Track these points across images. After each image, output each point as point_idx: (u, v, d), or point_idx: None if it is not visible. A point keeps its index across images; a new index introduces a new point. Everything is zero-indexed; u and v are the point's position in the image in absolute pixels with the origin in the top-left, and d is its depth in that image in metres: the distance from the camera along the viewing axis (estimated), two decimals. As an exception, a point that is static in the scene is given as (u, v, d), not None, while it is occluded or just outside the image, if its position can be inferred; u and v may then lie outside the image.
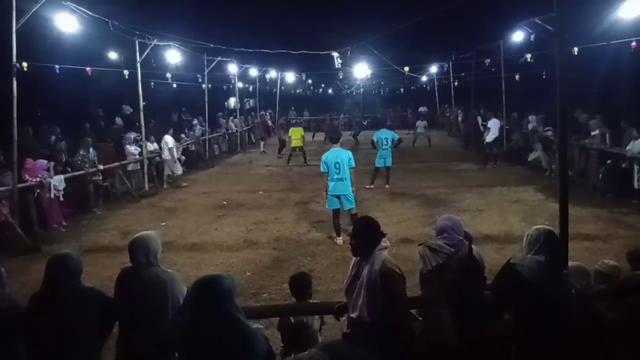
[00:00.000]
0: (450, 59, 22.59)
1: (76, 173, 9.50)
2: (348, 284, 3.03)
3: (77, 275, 2.90)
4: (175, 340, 2.80)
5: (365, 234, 2.99)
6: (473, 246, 3.13)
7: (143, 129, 12.29)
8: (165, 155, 12.40)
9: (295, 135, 15.89)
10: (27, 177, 8.11)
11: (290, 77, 27.99)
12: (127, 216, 9.50)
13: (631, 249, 3.76)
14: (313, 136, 23.68)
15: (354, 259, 3.11)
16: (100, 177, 10.43)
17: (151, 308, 2.91)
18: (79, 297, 2.82)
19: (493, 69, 18.83)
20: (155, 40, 12.46)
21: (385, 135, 11.53)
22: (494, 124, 14.01)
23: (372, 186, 11.20)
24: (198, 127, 17.30)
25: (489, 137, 13.89)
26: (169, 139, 12.51)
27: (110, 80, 15.98)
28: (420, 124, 21.34)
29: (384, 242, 2.98)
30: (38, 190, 8.21)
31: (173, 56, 14.06)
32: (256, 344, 2.37)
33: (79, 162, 9.84)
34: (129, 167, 11.76)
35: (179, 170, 12.75)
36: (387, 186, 11.23)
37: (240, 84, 23.88)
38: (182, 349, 2.42)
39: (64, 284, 2.81)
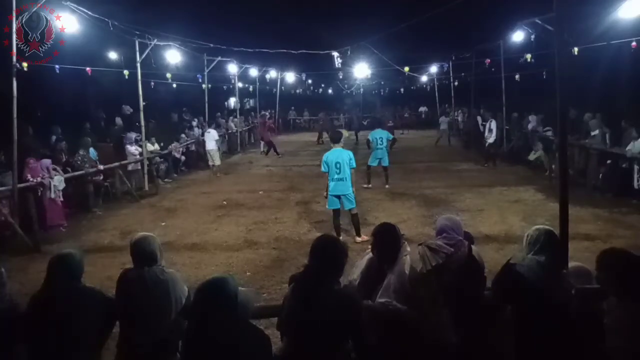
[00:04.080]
0: (450, 59, 22.60)
1: (76, 173, 9.50)
2: (362, 284, 3.04)
3: (78, 275, 2.90)
4: (177, 340, 2.81)
5: (389, 243, 3.03)
6: (472, 246, 3.13)
7: (143, 129, 12.30)
8: (212, 146, 14.12)
9: None
10: (29, 177, 8.12)
11: (290, 77, 27.99)
12: (127, 216, 9.50)
13: None
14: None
15: (365, 257, 3.13)
16: (101, 177, 10.45)
17: (152, 308, 2.91)
18: (80, 297, 2.82)
19: (493, 69, 18.84)
20: (155, 40, 12.46)
21: (380, 135, 11.55)
22: (495, 125, 14.07)
23: (370, 185, 11.19)
24: (196, 128, 17.27)
25: (492, 138, 13.94)
26: (214, 132, 14.52)
27: (110, 80, 15.96)
28: (444, 120, 20.87)
29: (408, 247, 3.04)
30: (41, 189, 8.22)
31: (173, 56, 14.08)
32: (260, 345, 2.40)
33: (79, 162, 9.84)
34: (129, 167, 11.77)
35: (218, 160, 14.36)
36: (387, 186, 11.22)
37: (240, 84, 23.87)
38: (187, 351, 2.43)
39: (65, 283, 2.81)
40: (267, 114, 24.88)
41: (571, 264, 3.17)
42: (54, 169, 8.75)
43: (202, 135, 16.70)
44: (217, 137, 14.50)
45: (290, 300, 2.68)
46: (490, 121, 14.28)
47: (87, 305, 2.82)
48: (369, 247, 3.16)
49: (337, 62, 16.37)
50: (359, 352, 2.66)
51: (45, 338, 2.72)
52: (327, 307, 2.53)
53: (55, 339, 2.70)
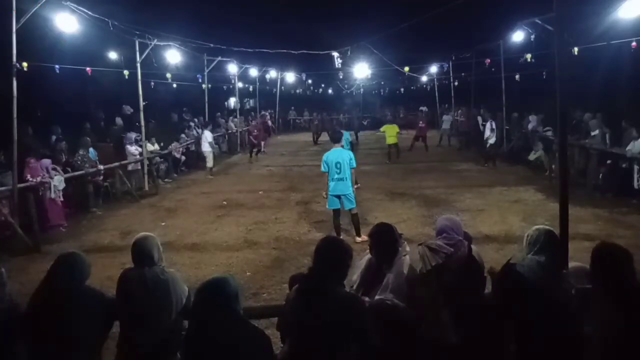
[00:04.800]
0: (450, 59, 22.59)
1: (76, 173, 9.50)
2: (361, 285, 3.04)
3: (80, 275, 2.88)
4: (177, 340, 2.81)
5: (386, 243, 3.03)
6: (473, 246, 3.13)
7: (143, 129, 12.30)
8: (205, 148, 14.08)
9: (390, 133, 15.52)
10: (28, 176, 8.13)
11: (290, 77, 28.00)
12: (127, 216, 9.50)
13: None
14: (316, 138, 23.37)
15: (364, 258, 3.13)
16: (101, 177, 10.45)
17: (152, 308, 2.91)
18: (80, 297, 2.81)
19: (493, 69, 18.83)
20: (155, 40, 12.46)
21: (346, 137, 11.60)
22: (495, 126, 14.15)
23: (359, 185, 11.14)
24: (195, 128, 17.25)
25: (493, 139, 13.97)
26: (208, 134, 14.29)
27: (110, 80, 15.97)
28: (447, 118, 20.47)
29: (407, 247, 3.04)
30: (42, 188, 8.23)
31: (173, 56, 14.08)
32: (260, 345, 2.41)
33: (78, 162, 9.83)
34: (129, 167, 11.77)
35: (210, 162, 14.20)
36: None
37: (240, 84, 23.87)
38: (187, 351, 2.43)
39: (66, 283, 2.80)
40: (267, 114, 24.85)
41: (571, 264, 3.17)
42: (54, 169, 8.75)
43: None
44: (210, 140, 14.25)
45: (293, 302, 2.68)
46: (491, 122, 14.29)
47: (87, 306, 2.81)
48: (369, 247, 3.16)
49: (337, 62, 16.35)
50: (363, 354, 2.65)
51: (45, 338, 2.72)
52: (330, 308, 2.53)
53: (55, 339, 2.70)
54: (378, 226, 3.19)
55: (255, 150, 17.58)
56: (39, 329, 2.73)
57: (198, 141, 15.86)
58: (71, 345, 2.72)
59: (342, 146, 7.45)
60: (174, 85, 20.18)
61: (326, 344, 2.53)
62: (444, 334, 2.85)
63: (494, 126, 14.08)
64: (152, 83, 16.68)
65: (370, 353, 2.66)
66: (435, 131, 23.91)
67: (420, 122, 18.67)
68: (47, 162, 8.71)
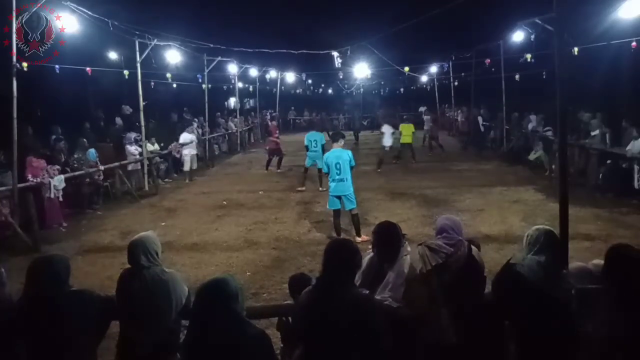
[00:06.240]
0: (450, 59, 22.61)
1: (76, 173, 9.50)
2: (362, 284, 3.04)
3: (64, 278, 2.81)
4: (177, 340, 2.80)
5: (389, 242, 3.03)
6: (472, 246, 3.13)
7: (143, 129, 12.30)
8: (184, 150, 13.40)
9: (406, 132, 15.05)
10: (29, 176, 8.13)
11: (290, 77, 27.97)
12: (127, 216, 9.50)
13: None
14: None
15: (366, 257, 3.13)
16: (102, 177, 10.45)
17: (152, 308, 2.90)
18: (68, 299, 2.76)
19: (493, 69, 18.85)
20: (155, 40, 12.47)
21: (315, 138, 11.61)
22: (387, 129, 14.66)
23: (304, 188, 11.14)
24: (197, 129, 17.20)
25: (388, 143, 14.55)
26: (183, 136, 13.58)
27: (110, 80, 15.98)
28: (428, 119, 20.16)
29: (409, 247, 3.06)
30: (46, 185, 8.22)
31: (173, 56, 14.08)
32: (260, 345, 2.40)
33: (75, 165, 9.82)
34: (129, 167, 11.77)
35: (188, 165, 13.41)
36: (321, 189, 10.86)
37: (240, 84, 23.87)
38: (187, 351, 2.43)
39: (51, 285, 2.73)
40: (268, 114, 24.80)
41: (571, 264, 3.17)
42: (54, 169, 8.74)
43: (203, 135, 16.73)
44: (181, 141, 13.51)
45: (307, 305, 2.65)
46: (393, 130, 14.82)
47: (76, 307, 2.75)
48: (370, 247, 3.16)
49: (337, 62, 16.36)
50: (375, 355, 2.63)
51: (38, 343, 2.68)
52: (346, 310, 2.51)
53: (48, 342, 2.67)
54: (382, 224, 3.20)
55: (278, 158, 15.13)
56: (30, 334, 2.69)
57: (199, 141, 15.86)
58: (64, 347, 2.68)
59: (342, 146, 7.43)
60: (174, 85, 20.19)
61: (343, 345, 2.52)
62: (443, 334, 2.84)
63: (384, 130, 14.72)
64: (152, 83, 16.68)
65: (374, 353, 2.65)
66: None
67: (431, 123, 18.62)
68: (41, 162, 8.67)
